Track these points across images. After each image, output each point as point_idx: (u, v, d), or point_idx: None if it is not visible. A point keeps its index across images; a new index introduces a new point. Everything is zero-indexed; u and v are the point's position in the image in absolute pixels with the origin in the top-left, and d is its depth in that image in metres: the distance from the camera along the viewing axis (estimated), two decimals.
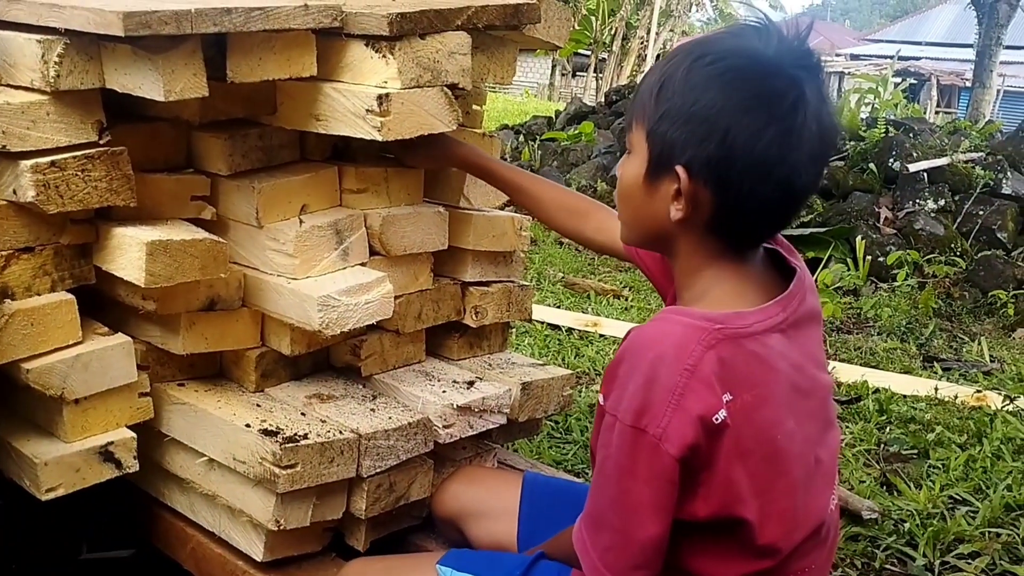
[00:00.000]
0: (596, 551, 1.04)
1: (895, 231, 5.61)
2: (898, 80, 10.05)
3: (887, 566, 2.15)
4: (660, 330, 1.01)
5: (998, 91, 16.54)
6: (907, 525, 2.29)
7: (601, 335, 3.80)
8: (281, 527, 1.44)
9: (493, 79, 1.69)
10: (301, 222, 1.52)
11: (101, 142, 1.38)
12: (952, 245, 5.46)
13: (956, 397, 3.26)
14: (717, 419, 0.96)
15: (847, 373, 3.49)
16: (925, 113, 12.89)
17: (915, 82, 16.97)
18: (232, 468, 1.46)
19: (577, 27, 21.80)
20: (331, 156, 1.69)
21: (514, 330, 3.45)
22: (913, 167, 5.85)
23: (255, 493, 1.46)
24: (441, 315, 1.75)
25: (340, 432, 1.46)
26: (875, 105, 8.65)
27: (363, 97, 1.41)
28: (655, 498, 0.98)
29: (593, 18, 24.54)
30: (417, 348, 1.76)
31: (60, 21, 1.32)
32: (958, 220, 5.69)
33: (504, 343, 1.91)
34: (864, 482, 2.50)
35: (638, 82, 1.11)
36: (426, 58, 1.44)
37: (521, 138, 9.33)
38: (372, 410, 1.57)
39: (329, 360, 1.72)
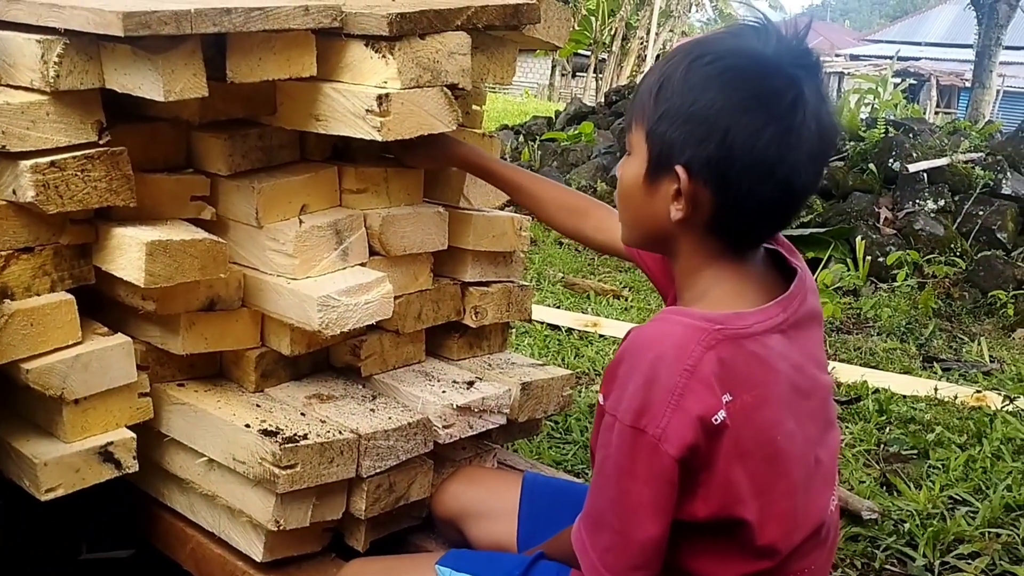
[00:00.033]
0: (595, 551, 1.03)
1: (895, 231, 5.61)
2: (898, 80, 10.06)
3: (887, 566, 2.15)
4: (660, 330, 1.00)
5: (998, 91, 16.54)
6: (907, 525, 2.29)
7: (601, 335, 3.80)
8: (281, 527, 1.44)
9: (493, 79, 1.69)
10: (301, 222, 1.52)
11: (101, 142, 1.38)
12: (952, 245, 5.46)
13: (956, 397, 3.26)
14: (717, 420, 0.96)
15: (847, 373, 3.49)
16: (925, 113, 12.89)
17: (915, 82, 16.98)
18: (232, 468, 1.46)
19: (577, 27, 21.80)
20: (331, 156, 1.69)
21: (514, 330, 3.45)
22: (913, 167, 5.85)
23: (255, 493, 1.46)
24: (441, 315, 1.75)
25: (340, 432, 1.46)
26: (875, 105, 8.66)
27: (363, 97, 1.41)
28: (654, 498, 0.98)
29: (593, 18, 24.54)
30: (417, 348, 1.75)
31: (60, 21, 1.32)
32: (958, 220, 5.69)
33: (504, 343, 1.91)
34: (864, 482, 2.50)
35: (638, 83, 1.11)
36: (426, 58, 1.44)
37: (521, 138, 9.33)
38: (372, 410, 1.57)
39: (329, 360, 1.72)
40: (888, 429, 2.96)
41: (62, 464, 1.42)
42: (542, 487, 1.54)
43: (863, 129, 6.67)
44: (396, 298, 1.59)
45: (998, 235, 5.53)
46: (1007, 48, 14.76)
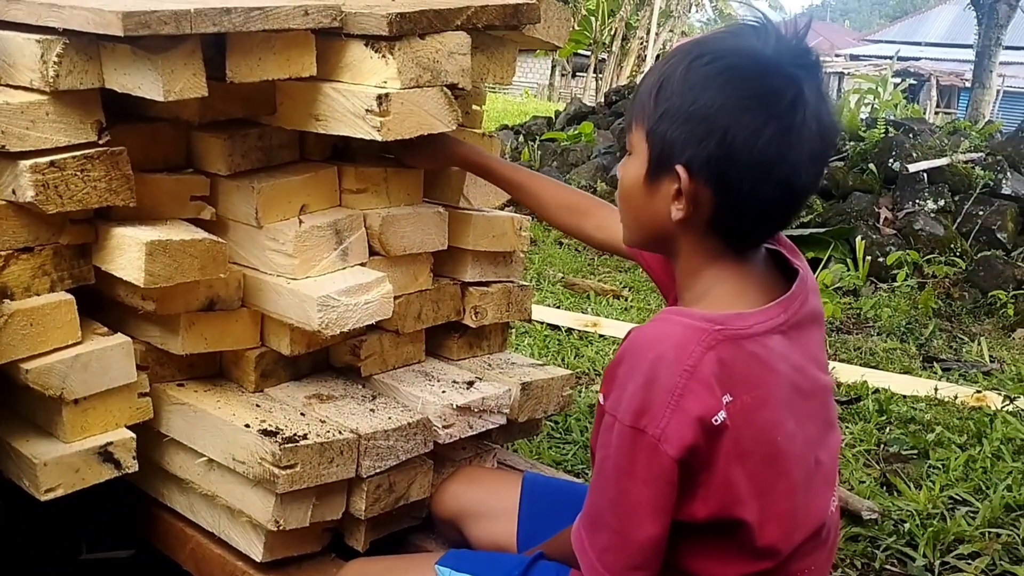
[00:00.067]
0: (595, 551, 1.03)
1: (895, 231, 5.61)
2: (898, 80, 10.06)
3: (887, 566, 2.15)
4: (660, 331, 1.00)
5: (998, 91, 16.54)
6: (907, 525, 2.29)
7: (601, 335, 3.80)
8: (280, 527, 1.44)
9: (493, 79, 1.69)
10: (301, 222, 1.52)
11: (100, 142, 1.38)
12: (952, 245, 5.46)
13: (956, 397, 3.26)
14: (716, 420, 0.96)
15: (847, 373, 3.49)
16: (925, 113, 12.89)
17: (915, 82, 16.97)
18: (231, 468, 1.46)
19: (577, 27, 21.80)
20: (331, 156, 1.69)
21: (514, 330, 3.45)
22: (913, 167, 5.85)
23: (254, 493, 1.46)
24: (441, 315, 1.75)
25: (340, 432, 1.46)
26: (875, 105, 8.66)
27: (363, 97, 1.41)
28: (654, 499, 0.98)
29: (593, 18, 24.54)
30: (417, 348, 1.75)
31: (59, 21, 1.32)
32: (958, 220, 5.70)
33: (504, 343, 1.91)
34: (864, 482, 2.50)
35: (638, 83, 1.11)
36: (426, 58, 1.44)
37: (521, 138, 9.33)
38: (372, 410, 1.56)
39: (329, 360, 1.72)
40: (888, 429, 2.96)
41: (62, 464, 1.42)
42: (542, 487, 1.54)
43: (863, 129, 6.67)
44: (396, 298, 1.59)
45: (998, 235, 5.53)
46: (1007, 48, 14.75)
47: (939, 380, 3.51)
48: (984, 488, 2.51)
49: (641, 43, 22.58)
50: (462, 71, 1.50)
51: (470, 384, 1.68)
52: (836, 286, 5.02)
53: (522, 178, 1.63)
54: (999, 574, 2.13)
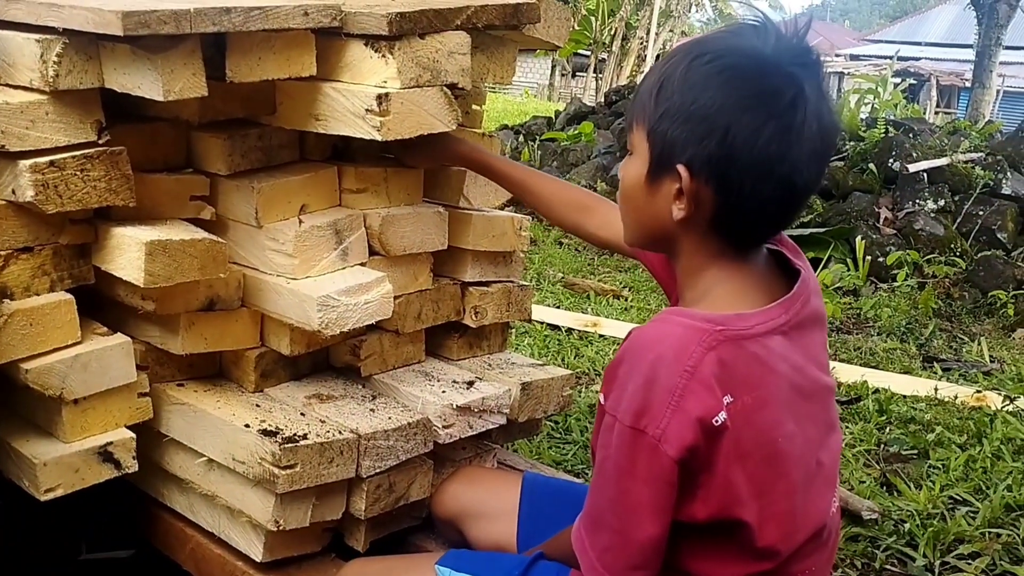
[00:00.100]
0: (595, 551, 1.03)
1: (895, 231, 5.61)
2: (898, 80, 10.05)
3: (887, 566, 2.15)
4: (660, 331, 1.00)
5: (998, 91, 16.54)
6: (907, 525, 2.29)
7: (601, 335, 3.80)
8: (280, 527, 1.44)
9: (493, 79, 1.69)
10: (300, 222, 1.52)
11: (100, 142, 1.38)
12: (952, 245, 5.46)
13: (956, 397, 3.26)
14: (717, 421, 0.96)
15: (847, 373, 3.49)
16: (925, 113, 12.89)
17: (915, 82, 16.98)
18: (231, 468, 1.46)
19: (577, 27, 21.80)
20: (331, 156, 1.69)
21: (514, 330, 3.45)
22: (913, 167, 5.85)
23: (254, 493, 1.46)
24: (441, 315, 1.75)
25: (340, 432, 1.46)
26: (875, 105, 8.66)
27: (363, 97, 1.41)
28: (654, 499, 0.98)
29: (593, 18, 24.54)
30: (417, 348, 1.75)
31: (59, 20, 1.32)
32: (958, 220, 5.69)
33: (504, 343, 1.91)
34: (864, 482, 2.50)
35: (638, 83, 1.11)
36: (426, 58, 1.44)
37: (521, 138, 9.33)
38: (372, 410, 1.56)
39: (329, 360, 1.72)
40: (888, 429, 2.96)
41: (61, 464, 1.42)
42: (542, 487, 1.54)
43: (863, 129, 6.67)
44: (396, 298, 1.59)
45: (998, 235, 5.53)
46: (1007, 48, 14.76)
47: (939, 380, 3.51)
48: (984, 488, 2.51)
49: (641, 43, 22.58)
50: (462, 71, 1.50)
51: (470, 384, 1.68)
52: (836, 286, 5.03)
53: (523, 176, 1.63)
54: (999, 574, 2.13)
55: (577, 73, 30.02)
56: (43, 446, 1.43)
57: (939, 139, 6.58)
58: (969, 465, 2.64)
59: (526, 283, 1.89)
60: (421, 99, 1.44)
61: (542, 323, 3.82)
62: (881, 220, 5.69)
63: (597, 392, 2.80)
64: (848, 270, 5.22)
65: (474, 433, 1.64)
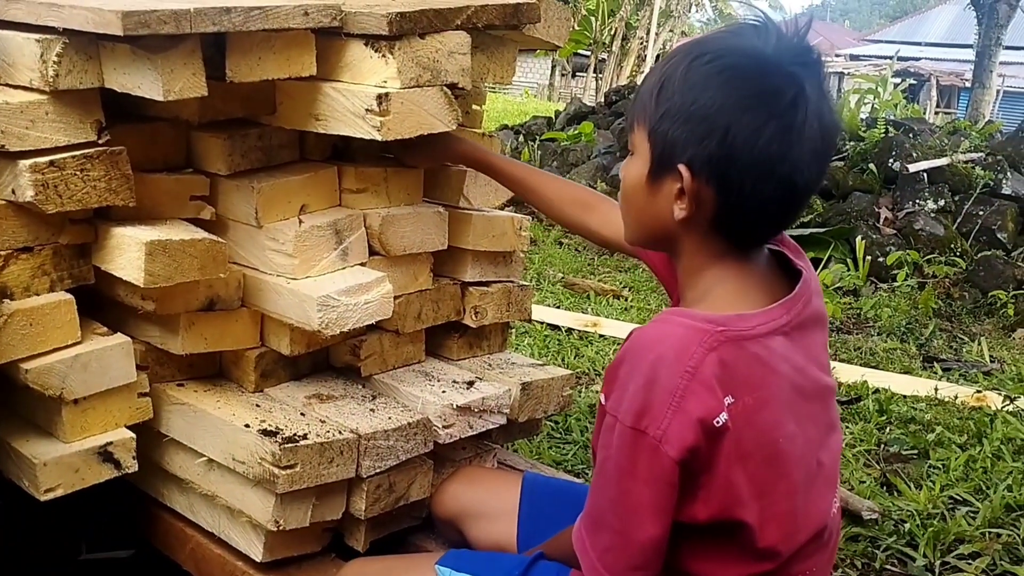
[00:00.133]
0: (595, 551, 1.03)
1: (895, 231, 5.61)
2: (898, 80, 10.06)
3: (887, 566, 2.15)
4: (661, 331, 1.00)
5: (998, 91, 16.54)
6: (907, 525, 2.29)
7: (601, 335, 3.80)
8: (280, 527, 1.44)
9: (493, 79, 1.69)
10: (300, 222, 1.52)
11: (100, 142, 1.38)
12: (952, 245, 5.46)
13: (956, 397, 3.26)
14: (718, 422, 0.96)
15: (847, 373, 3.49)
16: (925, 113, 12.89)
17: (915, 82, 16.98)
18: (231, 468, 1.46)
19: (577, 27, 21.79)
20: (331, 156, 1.69)
21: (514, 330, 3.45)
22: (913, 167, 5.85)
23: (254, 493, 1.46)
24: (441, 315, 1.75)
25: (340, 432, 1.46)
26: (875, 105, 8.66)
27: (363, 97, 1.41)
28: (655, 499, 0.98)
29: (593, 18, 24.54)
30: (417, 348, 1.75)
31: (59, 20, 1.32)
32: (958, 220, 5.69)
33: (504, 343, 1.91)
34: (864, 482, 2.50)
35: (638, 83, 1.11)
36: (426, 58, 1.44)
37: (521, 138, 9.32)
38: (372, 410, 1.56)
39: (329, 360, 1.72)
40: (888, 429, 2.96)
41: (61, 464, 1.42)
42: (542, 487, 1.54)
43: (863, 129, 6.66)
44: (396, 298, 1.59)
45: (998, 235, 5.52)
46: (1007, 48, 14.76)
47: (939, 380, 3.51)
48: (984, 488, 2.51)
49: (641, 43, 22.58)
50: (462, 71, 1.50)
51: (470, 384, 1.68)
52: (836, 286, 5.03)
53: (524, 174, 1.63)
54: (999, 574, 2.13)
55: (577, 73, 30.03)
56: (43, 446, 1.43)
57: (939, 139, 6.58)
58: (969, 465, 2.64)
59: (526, 283, 1.89)
60: (421, 99, 1.44)
61: (542, 323, 3.82)
62: (881, 220, 5.69)
63: (597, 392, 2.80)
64: (848, 270, 5.22)
65: (474, 433, 1.64)
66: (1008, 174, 5.93)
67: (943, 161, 5.98)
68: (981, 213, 5.64)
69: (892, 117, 7.45)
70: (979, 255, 5.32)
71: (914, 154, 6.05)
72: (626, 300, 4.58)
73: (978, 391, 3.35)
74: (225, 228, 1.56)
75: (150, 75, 1.30)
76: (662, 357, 0.96)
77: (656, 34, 22.18)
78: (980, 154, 6.18)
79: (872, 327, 4.42)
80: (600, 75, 24.67)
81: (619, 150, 7.65)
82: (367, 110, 1.40)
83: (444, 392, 1.63)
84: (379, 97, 1.38)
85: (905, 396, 3.29)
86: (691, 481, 0.99)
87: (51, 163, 1.32)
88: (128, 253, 1.38)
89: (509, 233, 1.78)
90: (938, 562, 2.14)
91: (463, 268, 1.76)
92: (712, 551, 1.05)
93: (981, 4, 13.62)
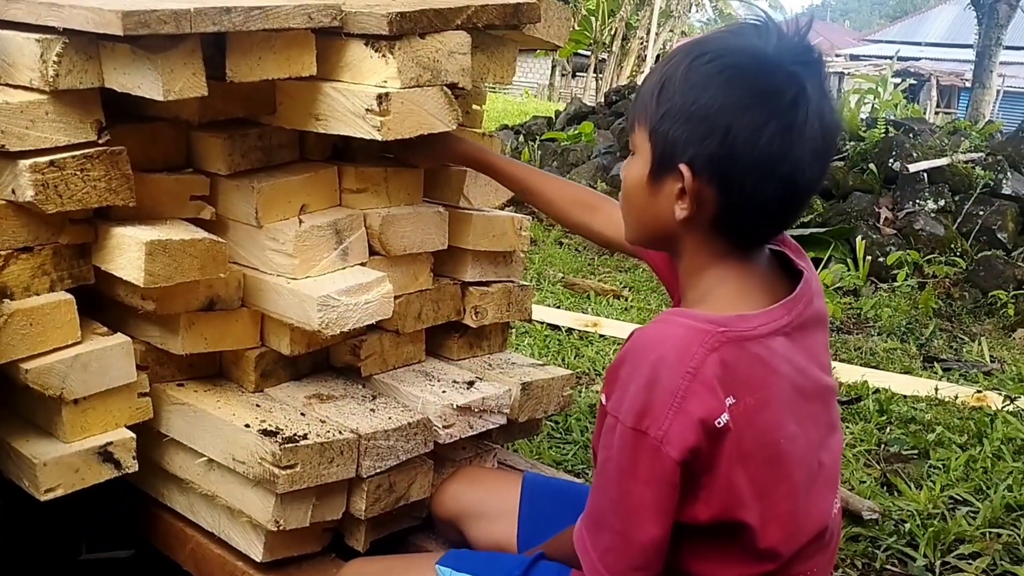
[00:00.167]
0: (596, 552, 1.03)
1: (895, 231, 5.61)
2: (898, 80, 10.06)
3: (887, 566, 2.15)
4: (662, 332, 1.00)
5: (998, 91, 16.54)
6: (907, 525, 2.29)
7: (601, 335, 3.80)
8: (280, 527, 1.44)
9: (493, 79, 1.68)
10: (301, 222, 1.52)
11: (100, 142, 1.38)
12: (952, 245, 5.46)
13: (956, 397, 3.25)
14: (719, 423, 0.96)
15: (847, 373, 3.49)
16: (925, 113, 12.89)
17: (915, 82, 16.98)
18: (231, 468, 1.46)
19: (577, 27, 21.79)
20: (331, 156, 1.69)
21: (514, 330, 3.45)
22: (913, 167, 5.85)
23: (254, 493, 1.46)
24: (441, 315, 1.75)
25: (340, 432, 1.46)
26: (875, 105, 8.66)
27: (363, 97, 1.40)
28: (656, 500, 0.98)
29: (593, 18, 24.54)
30: (417, 348, 1.75)
31: (59, 20, 1.32)
32: (958, 220, 5.69)
33: (504, 343, 1.91)
34: (864, 482, 2.50)
35: (639, 83, 1.11)
36: (426, 57, 1.44)
37: (521, 138, 9.32)
38: (372, 410, 1.56)
39: (329, 360, 1.72)
40: (889, 429, 2.96)
41: (61, 464, 1.41)
42: (542, 487, 1.53)
43: (863, 129, 6.66)
44: (396, 298, 1.59)
45: (998, 235, 5.52)
46: (1007, 48, 14.76)
47: (939, 380, 3.51)
48: (984, 488, 2.51)
49: (641, 43, 22.58)
50: (462, 70, 1.49)
51: (470, 384, 1.68)
52: (836, 286, 5.03)
53: (526, 174, 1.63)
54: (1000, 574, 2.13)
55: (577, 73, 30.03)
56: (43, 446, 1.43)
57: (939, 139, 6.58)
58: (969, 465, 2.64)
59: (526, 283, 1.88)
60: (421, 99, 1.44)
61: (542, 323, 3.82)
62: (881, 220, 5.68)
63: (598, 392, 2.80)
64: (848, 270, 5.22)
65: (474, 433, 1.64)
66: (1008, 174, 5.93)
67: (943, 161, 5.98)
68: (981, 213, 5.64)
69: (892, 117, 7.45)
70: (979, 255, 5.32)
71: (914, 154, 6.05)
72: (626, 300, 4.58)
73: (978, 391, 3.35)
74: (225, 228, 1.56)
75: (150, 75, 1.30)
76: (663, 358, 0.96)
77: (656, 34, 22.18)
78: (980, 154, 6.18)
79: (872, 327, 4.42)
80: (600, 75, 24.68)
81: (619, 150, 7.65)
82: (367, 110, 1.40)
83: (444, 392, 1.63)
84: (379, 97, 1.38)
85: (905, 396, 3.29)
86: (692, 482, 0.98)
87: (51, 163, 1.32)
88: (128, 253, 1.38)
89: (509, 233, 1.78)
90: (938, 562, 2.14)
91: (463, 268, 1.76)
92: (713, 552, 1.05)
93: (981, 4, 13.62)
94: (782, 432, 1.01)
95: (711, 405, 0.95)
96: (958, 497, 2.46)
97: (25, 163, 1.30)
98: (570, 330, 3.83)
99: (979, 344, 4.12)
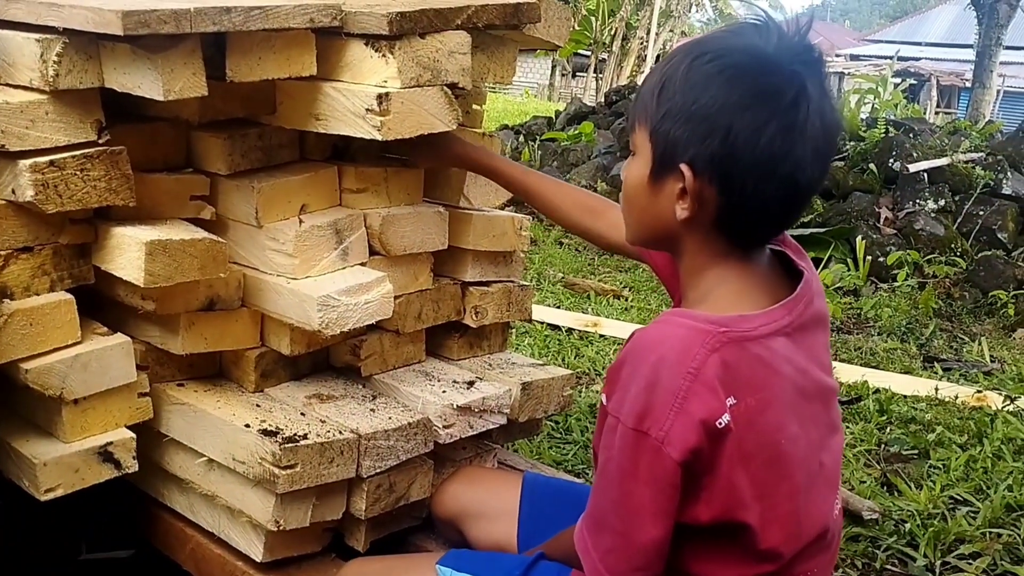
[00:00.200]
0: (597, 552, 1.03)
1: (895, 231, 5.61)
2: (898, 80, 10.06)
3: (888, 566, 2.15)
4: (663, 332, 1.00)
5: (998, 91, 16.54)
6: (908, 525, 2.29)
7: (601, 335, 3.79)
8: (281, 527, 1.44)
9: (493, 79, 1.68)
10: (301, 222, 1.52)
11: (100, 141, 1.38)
12: (952, 245, 5.46)
13: (956, 397, 3.25)
14: (720, 423, 0.96)
15: (847, 373, 3.49)
16: (925, 113, 12.89)
17: (915, 82, 16.98)
18: (231, 468, 1.46)
19: (577, 27, 21.80)
20: (331, 156, 1.69)
21: (514, 330, 3.45)
22: (913, 167, 5.85)
23: (254, 493, 1.45)
24: (441, 315, 1.75)
25: (340, 432, 1.46)
26: (875, 105, 8.67)
27: (363, 96, 1.40)
28: (657, 501, 0.98)
29: (593, 18, 24.54)
30: (417, 348, 1.75)
31: (59, 20, 1.32)
32: (958, 220, 5.69)
33: (504, 343, 1.90)
34: (865, 482, 2.50)
35: (639, 83, 1.11)
36: (426, 57, 1.44)
37: (521, 138, 9.33)
38: (372, 410, 1.56)
39: (329, 360, 1.72)
40: (889, 429, 2.96)
41: (61, 464, 1.41)
42: (542, 487, 1.53)
43: (863, 129, 6.66)
44: (396, 298, 1.59)
45: (998, 235, 5.52)
46: (1007, 48, 14.76)
47: (940, 380, 3.51)
48: (985, 488, 2.51)
49: (641, 43, 22.59)
50: (462, 70, 1.49)
51: (470, 384, 1.68)
52: (836, 286, 5.03)
53: (528, 178, 1.63)
54: (1000, 574, 2.13)
55: (577, 73, 30.03)
56: (43, 446, 1.43)
57: (939, 139, 6.58)
58: (970, 465, 2.64)
59: (526, 283, 1.88)
60: (421, 99, 1.44)
61: (542, 323, 3.82)
62: (881, 220, 5.68)
63: (598, 392, 2.80)
64: (848, 270, 5.22)
65: (474, 433, 1.64)
66: (1008, 174, 5.93)
67: (943, 161, 5.98)
68: (981, 213, 5.64)
69: (892, 117, 7.45)
70: (979, 255, 5.32)
71: (914, 154, 6.05)
72: (626, 300, 4.58)
73: (978, 391, 3.35)
74: (225, 228, 1.56)
75: (150, 75, 1.30)
76: (664, 358, 0.96)
77: (656, 34, 22.19)
78: (980, 154, 6.18)
79: (872, 327, 4.42)
80: (600, 75, 24.68)
81: (619, 150, 7.65)
82: (367, 110, 1.40)
83: (444, 392, 1.63)
84: (379, 97, 1.38)
85: (905, 396, 3.29)
86: (693, 482, 0.98)
87: (51, 163, 1.32)
88: (128, 253, 1.38)
89: (509, 233, 1.78)
90: (938, 562, 2.14)
91: (463, 268, 1.76)
92: (714, 552, 1.04)
93: (981, 4, 13.62)
94: (783, 433, 1.01)
95: (712, 406, 0.95)
96: (958, 497, 2.46)
97: (25, 163, 1.30)
98: (570, 330, 3.83)
99: (979, 344, 4.12)
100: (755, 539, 1.01)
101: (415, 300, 1.69)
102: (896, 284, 5.06)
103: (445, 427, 1.57)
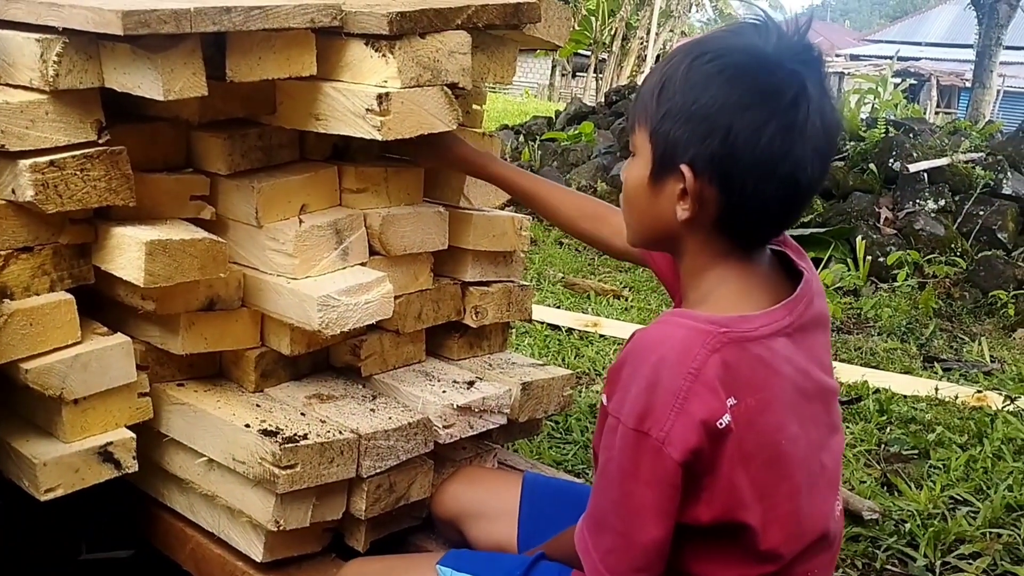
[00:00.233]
0: (598, 552, 1.03)
1: (895, 231, 5.61)
2: (898, 80, 10.06)
3: (888, 566, 2.15)
4: (663, 333, 1.00)
5: (998, 91, 16.54)
6: (908, 525, 2.28)
7: (601, 335, 3.79)
8: (281, 528, 1.44)
9: (493, 79, 1.68)
10: (301, 222, 1.52)
11: (100, 141, 1.38)
12: (952, 245, 5.46)
13: (956, 397, 3.25)
14: (721, 424, 0.96)
15: (847, 373, 3.49)
16: (925, 113, 12.89)
17: (915, 82, 16.99)
18: (231, 468, 1.46)
19: (577, 27, 21.79)
20: (331, 156, 1.69)
21: (514, 330, 3.45)
22: (913, 167, 5.85)
23: (254, 493, 1.45)
24: (441, 315, 1.75)
25: (340, 432, 1.46)
26: (875, 105, 8.67)
27: (363, 96, 1.40)
28: (657, 501, 0.98)
29: (593, 18, 24.54)
30: (417, 348, 1.75)
31: (59, 20, 1.32)
32: (958, 220, 5.69)
33: (504, 343, 1.90)
34: (865, 482, 2.50)
35: (639, 83, 1.11)
36: (426, 57, 1.44)
37: (521, 138, 9.33)
38: (372, 410, 1.56)
39: (329, 360, 1.72)
40: (889, 429, 2.96)
41: (61, 464, 1.41)
42: (542, 487, 1.53)
43: (863, 129, 6.66)
44: (396, 298, 1.59)
45: (998, 235, 5.52)
46: (1007, 48, 14.76)
47: (940, 380, 3.51)
48: (985, 488, 2.51)
49: (641, 43, 22.59)
50: (462, 70, 1.49)
51: (470, 384, 1.68)
52: (836, 286, 5.03)
53: (530, 184, 1.62)
54: (1000, 574, 2.12)
55: (577, 73, 30.03)
56: (43, 446, 1.43)
57: (939, 139, 6.58)
58: (970, 465, 2.64)
59: (526, 283, 1.88)
60: (421, 99, 1.44)
61: (542, 323, 3.82)
62: (881, 220, 5.68)
63: (598, 392, 2.80)
64: (848, 270, 5.22)
65: (474, 433, 1.64)
66: (1008, 174, 5.93)
67: (943, 161, 5.98)
68: (981, 213, 5.64)
69: (892, 117, 7.45)
70: (979, 255, 5.32)
71: (914, 154, 6.05)
72: (626, 300, 4.58)
73: (978, 391, 3.35)
74: (225, 228, 1.56)
75: (150, 75, 1.30)
76: (664, 359, 0.96)
77: (656, 34, 22.19)
78: (980, 154, 6.18)
79: (872, 327, 4.42)
80: (600, 75, 24.68)
81: (619, 150, 7.65)
82: (367, 110, 1.40)
83: (444, 392, 1.63)
84: (379, 97, 1.38)
85: (905, 396, 3.29)
86: (694, 483, 0.98)
87: (51, 163, 1.32)
88: (128, 253, 1.38)
89: (509, 233, 1.78)
90: (939, 562, 2.14)
91: (463, 268, 1.76)
92: (715, 553, 1.04)
93: (981, 4, 13.62)
94: (783, 433, 1.01)
95: (712, 406, 0.95)
96: (958, 497, 2.46)
97: (25, 163, 1.30)
98: (570, 330, 3.83)
99: (979, 344, 4.12)
100: (756, 539, 1.01)
101: (415, 300, 1.69)
102: (896, 284, 5.06)
103: (445, 427, 1.57)
